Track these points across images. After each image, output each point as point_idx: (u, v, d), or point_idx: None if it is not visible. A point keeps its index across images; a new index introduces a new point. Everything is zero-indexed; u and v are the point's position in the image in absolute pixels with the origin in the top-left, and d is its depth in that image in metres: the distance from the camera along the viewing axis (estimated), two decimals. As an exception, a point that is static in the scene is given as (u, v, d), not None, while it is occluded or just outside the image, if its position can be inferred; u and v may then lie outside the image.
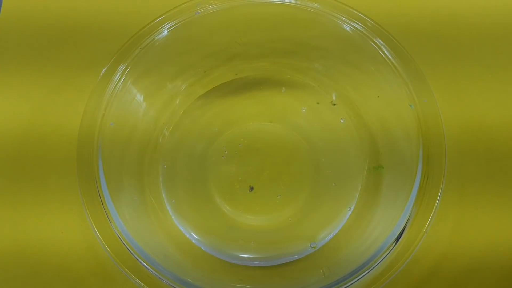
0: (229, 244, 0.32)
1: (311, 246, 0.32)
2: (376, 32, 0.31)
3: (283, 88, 0.36)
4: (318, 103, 0.36)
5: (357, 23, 0.31)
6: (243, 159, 0.34)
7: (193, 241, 0.32)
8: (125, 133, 0.32)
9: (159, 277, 0.26)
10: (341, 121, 0.35)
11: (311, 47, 0.35)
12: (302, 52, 0.35)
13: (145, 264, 0.27)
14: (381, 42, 0.30)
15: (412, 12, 0.38)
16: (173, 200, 0.33)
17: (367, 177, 0.33)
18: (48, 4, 0.39)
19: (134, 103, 0.33)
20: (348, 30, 0.31)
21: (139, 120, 0.34)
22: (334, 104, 0.35)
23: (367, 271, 0.26)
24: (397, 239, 0.27)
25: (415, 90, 0.29)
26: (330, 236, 0.32)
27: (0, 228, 0.33)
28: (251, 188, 0.34)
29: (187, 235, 0.32)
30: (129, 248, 0.27)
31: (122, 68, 0.31)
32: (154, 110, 0.35)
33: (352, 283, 0.26)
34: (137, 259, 0.27)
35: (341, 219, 0.32)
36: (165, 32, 0.32)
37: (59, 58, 0.38)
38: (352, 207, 0.33)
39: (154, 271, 0.27)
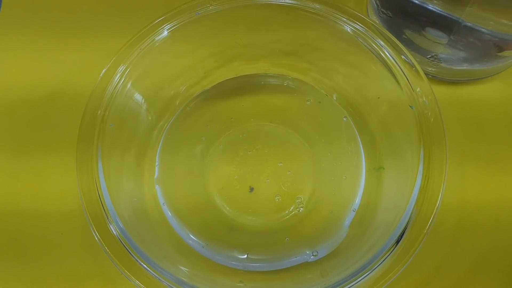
0: (229, 246, 0.32)
1: (311, 247, 0.31)
2: (377, 33, 0.31)
3: (284, 89, 0.36)
4: (319, 102, 0.36)
5: (357, 24, 0.31)
6: (243, 159, 0.34)
7: (193, 243, 0.32)
8: (125, 134, 0.32)
9: (159, 279, 0.26)
10: (344, 119, 0.35)
11: (311, 47, 0.35)
12: (303, 52, 0.35)
13: (145, 266, 0.27)
14: (381, 43, 0.30)
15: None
16: (173, 201, 0.33)
17: (368, 178, 0.33)
18: (47, 3, 0.39)
19: (134, 104, 0.33)
20: (349, 30, 0.31)
21: (139, 121, 0.33)
22: (334, 105, 0.35)
23: (367, 273, 0.26)
24: (398, 240, 0.27)
25: (415, 91, 0.29)
26: (331, 238, 0.32)
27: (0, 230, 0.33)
28: (251, 189, 0.33)
29: (187, 237, 0.32)
30: (128, 250, 0.27)
31: (122, 69, 0.30)
32: (154, 111, 0.34)
33: (352, 285, 0.26)
34: (137, 261, 0.27)
35: (342, 220, 0.32)
36: (165, 33, 0.31)
37: (59, 58, 0.38)
38: (356, 208, 0.32)
39: (153, 273, 0.26)
